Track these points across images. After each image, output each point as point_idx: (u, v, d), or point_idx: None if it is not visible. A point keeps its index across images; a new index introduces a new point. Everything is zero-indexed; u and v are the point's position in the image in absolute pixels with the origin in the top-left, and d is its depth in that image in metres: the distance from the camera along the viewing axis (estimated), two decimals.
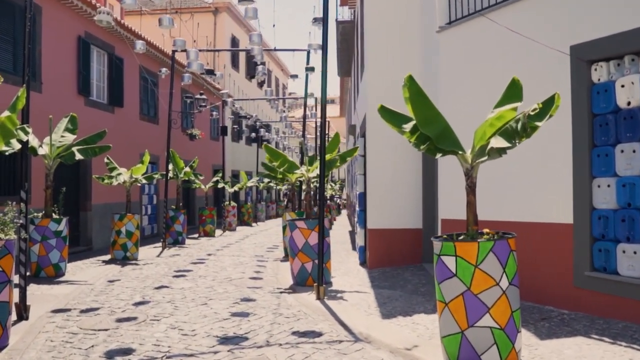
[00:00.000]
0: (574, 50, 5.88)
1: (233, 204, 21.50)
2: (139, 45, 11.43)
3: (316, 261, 8.07)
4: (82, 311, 6.46)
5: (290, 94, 35.66)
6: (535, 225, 6.26)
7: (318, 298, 7.10)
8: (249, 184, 24.12)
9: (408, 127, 4.60)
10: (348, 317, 6.05)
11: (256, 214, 27.39)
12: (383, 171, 9.55)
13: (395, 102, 9.65)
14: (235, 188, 22.44)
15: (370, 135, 9.67)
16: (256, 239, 16.86)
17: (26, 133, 5.76)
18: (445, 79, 7.70)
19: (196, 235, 18.02)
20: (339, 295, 7.38)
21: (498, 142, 4.22)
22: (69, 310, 6.54)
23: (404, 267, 9.32)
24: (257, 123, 26.14)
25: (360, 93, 12.70)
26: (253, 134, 28.08)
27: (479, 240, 4.25)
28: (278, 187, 33.63)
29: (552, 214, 6.14)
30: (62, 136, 9.38)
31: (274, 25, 12.86)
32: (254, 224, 25.39)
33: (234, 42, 27.33)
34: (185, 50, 12.46)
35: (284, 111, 21.62)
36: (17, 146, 5.43)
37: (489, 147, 4.26)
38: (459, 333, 4.22)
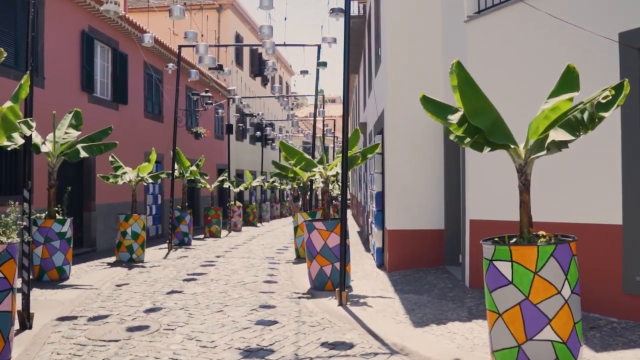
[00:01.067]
0: (622, 37, 5.43)
1: (238, 203, 21.05)
2: (147, 38, 10.95)
3: (336, 264, 7.63)
4: (90, 319, 6.01)
5: (291, 93, 35.23)
6: (578, 227, 5.80)
7: (340, 304, 6.65)
8: (254, 183, 23.69)
9: (454, 118, 4.15)
10: (377, 326, 5.60)
11: (261, 214, 26.95)
12: (402, 169, 9.10)
13: (416, 95, 9.23)
14: (241, 188, 22.01)
15: (388, 132, 9.22)
16: (264, 240, 16.41)
17: (30, 127, 5.31)
18: (473, 71, 7.22)
19: (201, 236, 17.57)
20: (361, 300, 6.93)
21: (559, 134, 3.77)
22: (75, 318, 6.09)
23: (425, 269, 8.87)
24: (263, 121, 25.64)
25: (375, 89, 12.25)
26: (258, 133, 27.60)
27: (538, 244, 3.80)
28: (282, 187, 33.17)
29: (597, 214, 5.69)
30: (66, 133, 8.93)
31: (285, 19, 12.40)
32: (258, 224, 24.94)
33: (238, 39, 26.86)
34: (194, 46, 11.98)
35: (291, 109, 21.08)
36: (20, 141, 4.98)
37: (548, 140, 3.80)
38: (516, 347, 3.78)
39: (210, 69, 12.46)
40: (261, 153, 28.77)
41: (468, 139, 4.19)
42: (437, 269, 8.81)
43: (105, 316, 6.13)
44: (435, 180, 9.09)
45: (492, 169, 6.88)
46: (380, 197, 9.91)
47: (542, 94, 5.70)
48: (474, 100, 3.99)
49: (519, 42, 6.65)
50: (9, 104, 4.18)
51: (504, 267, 3.83)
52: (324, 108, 21.02)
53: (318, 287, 7.72)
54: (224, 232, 18.97)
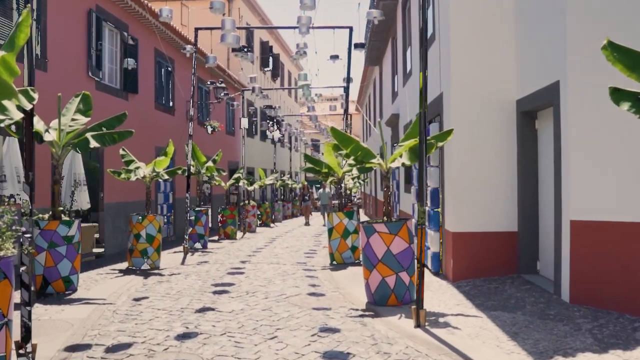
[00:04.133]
0: None
1: (253, 203, 19.71)
2: (165, 12, 9.60)
3: (400, 274, 6.34)
4: (108, 349, 4.68)
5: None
6: None
7: (418, 325, 5.34)
8: (268, 181, 22.39)
9: None
10: (484, 359, 4.28)
11: (273, 214, 25.60)
12: (466, 161, 7.75)
13: (483, 75, 7.93)
14: (256, 186, 20.68)
15: (451, 117, 7.86)
16: (286, 242, 15.05)
17: (31, 99, 3.99)
18: (574, 46, 5.91)
19: (216, 238, 16.22)
20: (440, 320, 5.60)
21: None
22: (89, 347, 4.77)
23: (498, 279, 7.53)
24: (280, 116, 24.22)
25: (416, 74, 10.88)
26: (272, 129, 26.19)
27: None
28: (292, 185, 31.82)
29: None
30: (73, 119, 7.59)
31: None
32: (272, 225, 23.59)
33: (249, 30, 25.51)
34: (213, 28, 10.64)
35: (314, 100, 19.71)
36: (17, 115, 3.64)
37: None
38: None
39: (233, 50, 11.09)
40: (273, 150, 27.45)
41: None
42: (512, 278, 7.46)
43: (128, 345, 4.80)
44: (505, 173, 7.75)
45: (613, 158, 5.56)
46: (436, 195, 8.58)
47: None
48: None
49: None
50: (0, 53, 2.84)
51: None
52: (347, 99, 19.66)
53: (379, 302, 6.40)
54: (238, 234, 17.63)
